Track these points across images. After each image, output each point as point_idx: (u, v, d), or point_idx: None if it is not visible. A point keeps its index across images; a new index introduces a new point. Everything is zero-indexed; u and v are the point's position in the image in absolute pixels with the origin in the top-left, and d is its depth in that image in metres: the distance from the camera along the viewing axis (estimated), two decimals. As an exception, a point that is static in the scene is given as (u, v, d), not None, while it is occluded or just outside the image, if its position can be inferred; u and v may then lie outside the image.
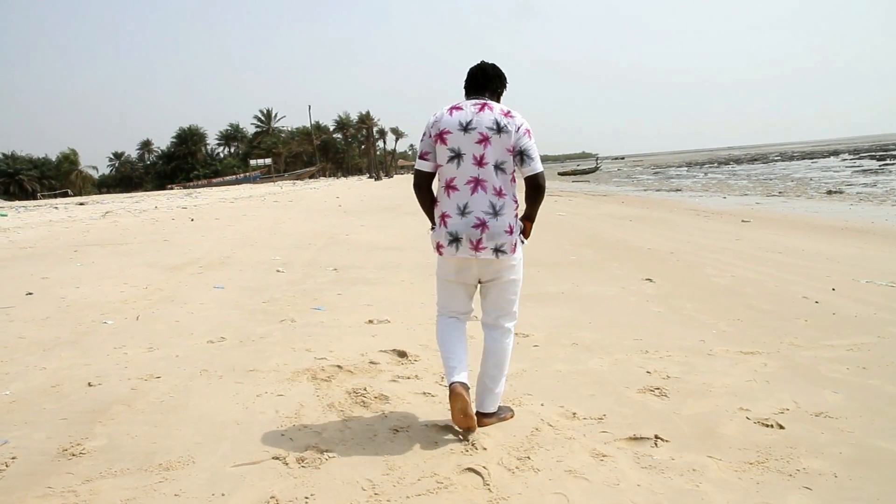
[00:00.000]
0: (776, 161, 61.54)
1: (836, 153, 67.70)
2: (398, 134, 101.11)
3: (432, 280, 6.49)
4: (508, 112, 2.87)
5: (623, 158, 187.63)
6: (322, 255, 8.94)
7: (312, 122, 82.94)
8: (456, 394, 2.76)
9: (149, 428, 2.90)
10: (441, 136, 2.85)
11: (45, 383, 3.56)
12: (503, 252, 2.84)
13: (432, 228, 2.97)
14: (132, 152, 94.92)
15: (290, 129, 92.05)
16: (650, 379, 3.52)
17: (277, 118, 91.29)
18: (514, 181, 2.92)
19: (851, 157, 53.75)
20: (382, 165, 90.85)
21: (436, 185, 2.99)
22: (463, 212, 2.84)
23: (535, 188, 2.89)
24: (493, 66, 3.02)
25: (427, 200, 3.00)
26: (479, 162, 2.82)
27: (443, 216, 2.89)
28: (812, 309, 5.21)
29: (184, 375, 3.67)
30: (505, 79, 3.05)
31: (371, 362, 3.87)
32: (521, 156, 2.85)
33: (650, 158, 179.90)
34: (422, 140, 2.97)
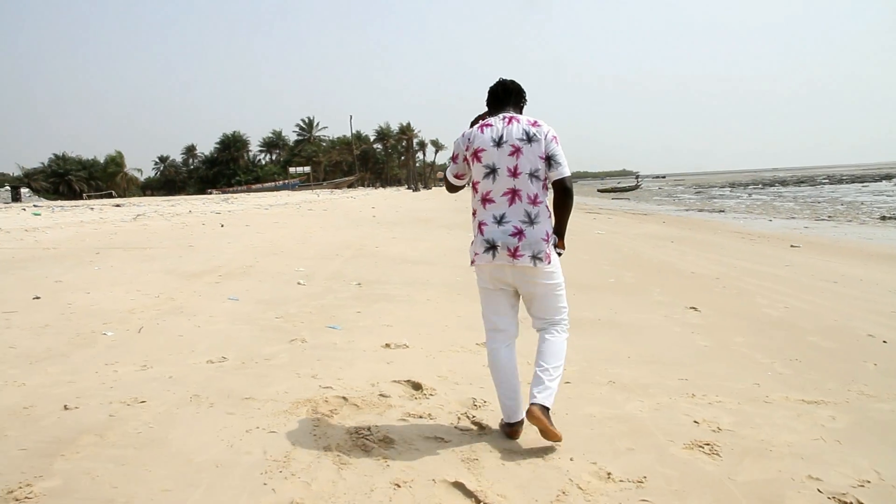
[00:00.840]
0: (824, 184, 59.48)
1: (888, 177, 65.18)
2: (438, 146, 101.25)
3: (460, 300, 6.06)
4: (535, 122, 2.96)
5: (664, 177, 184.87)
6: (347, 267, 8.61)
7: (353, 132, 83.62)
8: (510, 428, 2.93)
9: (115, 466, 2.54)
10: (476, 155, 2.96)
11: (18, 403, 3.24)
12: (540, 259, 2.87)
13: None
14: (177, 156, 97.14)
15: (331, 138, 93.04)
16: (698, 431, 3.03)
17: (319, 127, 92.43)
18: (547, 188, 2.97)
19: (906, 182, 51.64)
20: (421, 177, 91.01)
21: (472, 199, 3.06)
22: (500, 221, 2.91)
23: (564, 191, 2.93)
24: (513, 82, 3.10)
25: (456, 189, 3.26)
26: (514, 173, 2.91)
27: (479, 225, 2.98)
28: (880, 350, 4.64)
29: (172, 401, 3.31)
30: (524, 93, 3.12)
31: (381, 395, 3.47)
32: (549, 161, 2.93)
33: (692, 178, 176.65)
34: (454, 161, 3.10)
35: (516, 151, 2.89)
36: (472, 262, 3.00)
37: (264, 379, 3.73)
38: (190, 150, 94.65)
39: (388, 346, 4.53)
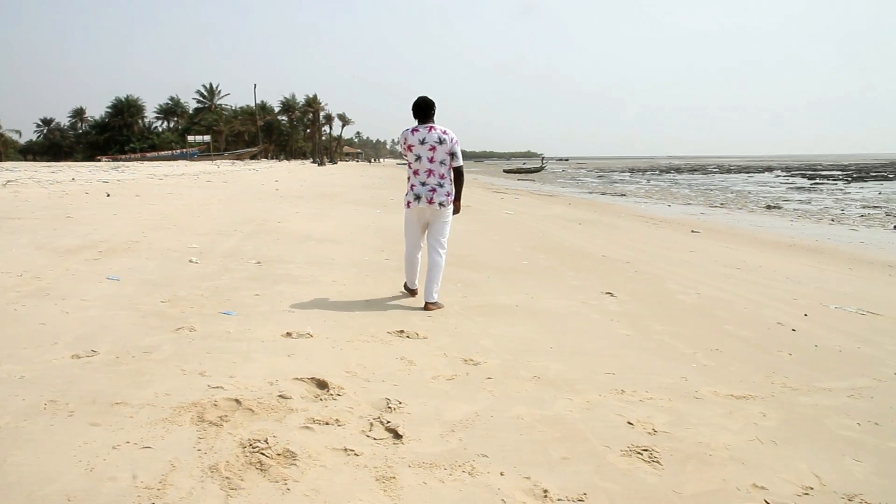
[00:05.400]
0: (715, 173, 63.07)
1: (769, 169, 70.05)
2: (345, 120, 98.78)
3: (369, 282, 5.65)
4: (445, 131, 4.97)
5: (567, 160, 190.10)
6: (247, 244, 7.94)
7: (257, 102, 79.88)
8: (411, 291, 5.36)
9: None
10: (409, 147, 5.00)
11: None
12: (444, 205, 5.03)
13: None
14: (63, 120, 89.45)
15: (233, 107, 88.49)
16: (634, 434, 2.79)
17: (221, 95, 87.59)
18: (451, 170, 5.05)
19: (784, 174, 55.54)
20: (327, 151, 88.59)
21: (407, 171, 5.13)
22: (423, 184, 5.00)
23: (459, 174, 5.11)
24: (428, 98, 5.02)
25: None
26: (431, 160, 4.98)
27: (411, 186, 5.05)
28: (792, 339, 4.65)
29: (19, 410, 2.70)
30: (434, 104, 5.02)
31: (280, 395, 3.01)
32: (451, 156, 5.00)
33: (594, 162, 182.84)
34: (400, 148, 5.16)
35: (433, 148, 4.95)
36: (408, 205, 5.09)
37: (142, 378, 3.17)
38: (78, 114, 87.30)
39: (289, 335, 4.05)
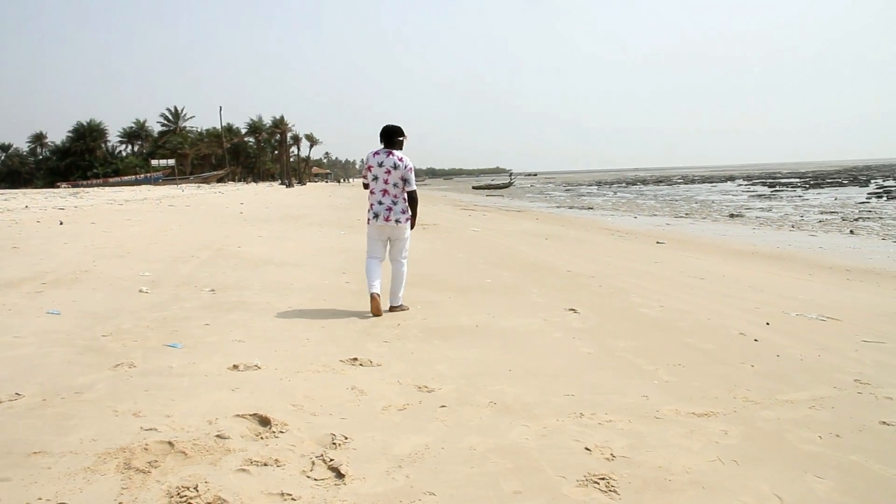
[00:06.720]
0: (679, 183, 64.15)
1: (731, 178, 71.57)
2: (313, 141, 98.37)
3: (326, 307, 5.51)
4: (401, 158, 5.46)
5: (536, 175, 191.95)
6: (202, 271, 7.69)
7: (223, 124, 79.03)
8: (374, 299, 5.39)
9: None
10: (369, 168, 5.52)
11: None
12: (400, 222, 5.48)
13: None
14: (22, 145, 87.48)
15: (199, 130, 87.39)
16: (591, 461, 2.66)
17: (186, 117, 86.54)
18: (404, 191, 5.50)
19: (746, 182, 56.74)
20: (296, 172, 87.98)
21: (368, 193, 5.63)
22: (380, 203, 5.48)
23: (412, 197, 5.56)
24: (393, 126, 5.54)
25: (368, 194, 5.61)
26: (386, 182, 5.46)
27: (371, 204, 5.54)
28: (754, 350, 4.60)
29: (-78, 465, 2.48)
30: (402, 131, 5.56)
31: (219, 436, 2.82)
32: (405, 181, 5.48)
33: (562, 176, 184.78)
34: (363, 168, 5.70)
35: (388, 171, 5.44)
36: (368, 222, 5.55)
37: (68, 422, 2.95)
38: (38, 139, 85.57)
39: (235, 367, 3.85)
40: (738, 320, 5.57)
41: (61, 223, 13.54)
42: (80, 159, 75.47)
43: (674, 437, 2.95)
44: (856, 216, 20.85)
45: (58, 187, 54.62)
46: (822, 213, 22.69)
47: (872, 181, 45.39)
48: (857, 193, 33.67)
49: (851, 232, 16.33)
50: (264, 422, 2.99)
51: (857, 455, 2.82)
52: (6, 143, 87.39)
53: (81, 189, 44.60)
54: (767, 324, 5.45)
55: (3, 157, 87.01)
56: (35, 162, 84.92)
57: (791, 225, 18.85)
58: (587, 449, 2.78)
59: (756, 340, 4.86)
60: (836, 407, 3.44)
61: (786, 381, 3.88)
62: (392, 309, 5.59)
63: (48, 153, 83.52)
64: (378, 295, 5.39)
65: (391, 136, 5.50)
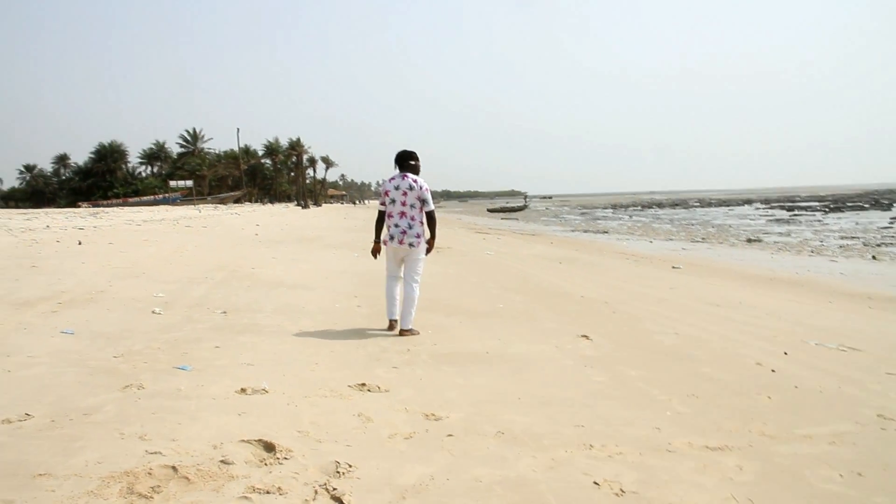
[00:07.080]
0: (695, 207, 63.85)
1: (749, 202, 71.07)
2: (329, 163, 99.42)
3: (336, 330, 5.52)
4: (416, 180, 5.66)
5: (551, 198, 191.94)
6: (216, 292, 7.72)
7: (241, 146, 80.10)
8: (391, 325, 5.78)
9: None
10: (386, 193, 5.73)
11: None
12: (413, 245, 5.66)
13: (374, 241, 6.00)
14: (46, 166, 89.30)
15: (217, 151, 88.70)
16: (599, 496, 2.60)
17: (204, 139, 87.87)
18: (422, 213, 5.73)
19: (763, 206, 56.32)
20: (312, 194, 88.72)
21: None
22: (396, 225, 5.67)
23: (431, 217, 5.79)
24: (407, 151, 5.78)
25: (380, 223, 5.86)
26: (403, 204, 5.65)
27: (387, 227, 5.74)
28: (771, 380, 4.50)
29: (-73, 488, 2.48)
30: (416, 156, 5.78)
31: (223, 461, 2.79)
32: (422, 202, 5.68)
33: (577, 199, 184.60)
34: (381, 193, 5.92)
35: (405, 193, 5.63)
36: (385, 243, 5.75)
37: (74, 444, 2.94)
38: (62, 160, 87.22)
39: (243, 391, 3.83)
40: (754, 349, 5.47)
41: (80, 243, 13.70)
42: (101, 180, 76.83)
43: (686, 472, 2.87)
44: (878, 241, 20.56)
45: (79, 207, 55.52)
46: (842, 237, 22.39)
47: (895, 205, 44.83)
48: (879, 218, 33.26)
49: (874, 258, 16.08)
50: (269, 448, 2.96)
51: (882, 497, 2.73)
52: (31, 163, 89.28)
53: (101, 209, 45.29)
54: (785, 353, 5.34)
55: (28, 178, 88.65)
56: (58, 182, 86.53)
57: (811, 250, 18.61)
58: (596, 483, 2.72)
59: (773, 371, 4.76)
60: (858, 443, 3.34)
61: (804, 414, 3.78)
62: (402, 333, 5.62)
63: (71, 174, 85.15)
64: (396, 321, 5.73)
65: (405, 161, 5.72)
